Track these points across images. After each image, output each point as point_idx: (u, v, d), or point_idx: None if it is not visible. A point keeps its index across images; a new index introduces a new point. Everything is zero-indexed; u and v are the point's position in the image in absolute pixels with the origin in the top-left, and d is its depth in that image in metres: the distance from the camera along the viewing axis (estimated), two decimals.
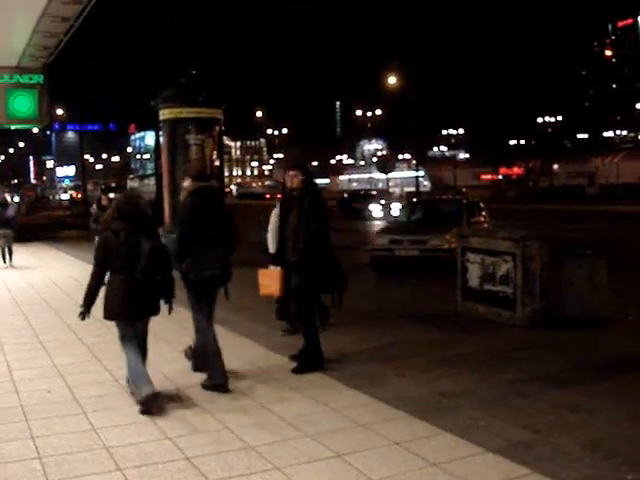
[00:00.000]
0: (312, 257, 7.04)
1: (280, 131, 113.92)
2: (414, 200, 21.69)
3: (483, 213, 17.26)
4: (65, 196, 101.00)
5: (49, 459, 4.87)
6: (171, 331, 8.65)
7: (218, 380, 6.45)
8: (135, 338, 6.18)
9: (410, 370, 7.22)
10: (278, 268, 7.56)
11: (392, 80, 69.55)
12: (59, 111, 61.52)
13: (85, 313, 6.05)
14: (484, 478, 4.56)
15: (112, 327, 8.88)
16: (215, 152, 16.36)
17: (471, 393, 6.44)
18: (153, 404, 5.84)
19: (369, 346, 8.34)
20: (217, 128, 16.51)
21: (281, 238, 7.59)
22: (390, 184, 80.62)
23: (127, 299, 5.98)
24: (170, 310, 6.27)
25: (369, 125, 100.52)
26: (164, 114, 16.31)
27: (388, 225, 17.77)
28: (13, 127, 23.42)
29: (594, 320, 9.01)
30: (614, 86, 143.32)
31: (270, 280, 7.78)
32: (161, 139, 23.58)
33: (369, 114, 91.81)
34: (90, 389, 6.58)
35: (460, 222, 15.49)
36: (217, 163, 16.50)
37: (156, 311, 6.25)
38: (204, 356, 6.62)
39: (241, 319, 9.80)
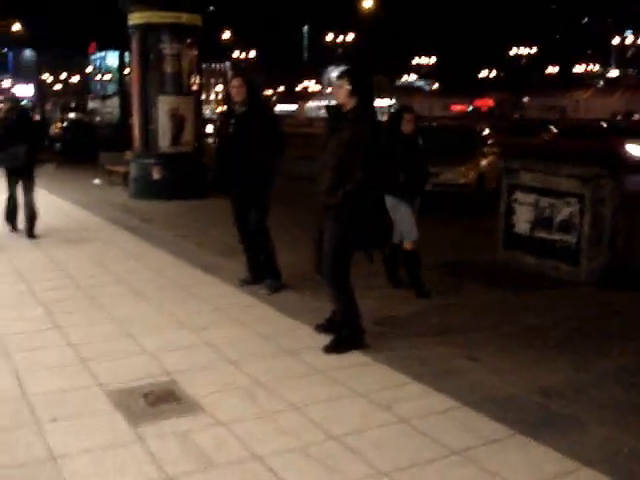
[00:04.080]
0: (361, 201, 5.13)
1: (247, 54, 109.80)
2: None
3: (492, 142, 15.37)
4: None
5: None
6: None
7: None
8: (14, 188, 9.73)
9: (478, 350, 5.40)
10: None
11: (367, 4, 66.72)
12: (16, 26, 57.60)
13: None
14: None
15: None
16: (194, 65, 14.11)
17: (580, 391, 4.66)
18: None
19: (409, 309, 6.49)
20: (197, 38, 14.21)
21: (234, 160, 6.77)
22: None
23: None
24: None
25: (340, 50, 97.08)
26: (134, 18, 13.89)
27: None
28: None
29: None
30: (585, 20, 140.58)
31: None
32: (127, 57, 21.13)
33: (340, 39, 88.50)
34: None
35: (474, 153, 13.69)
36: (196, 79, 14.26)
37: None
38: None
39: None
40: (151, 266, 7.89)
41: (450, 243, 9.88)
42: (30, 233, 9.54)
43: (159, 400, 4.28)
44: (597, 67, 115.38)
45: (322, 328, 5.62)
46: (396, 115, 7.30)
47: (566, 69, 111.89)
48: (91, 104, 60.93)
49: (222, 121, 7.55)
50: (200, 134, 14.51)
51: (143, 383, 4.53)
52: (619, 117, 65.18)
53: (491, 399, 4.42)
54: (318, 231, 5.40)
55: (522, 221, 8.23)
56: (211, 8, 14.45)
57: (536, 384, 4.74)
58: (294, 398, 4.33)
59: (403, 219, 6.75)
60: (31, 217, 9.59)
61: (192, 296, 6.67)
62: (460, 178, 12.63)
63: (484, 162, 13.81)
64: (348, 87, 5.16)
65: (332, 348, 5.19)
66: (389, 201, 6.37)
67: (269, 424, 4.00)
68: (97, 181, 17.14)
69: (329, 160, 5.19)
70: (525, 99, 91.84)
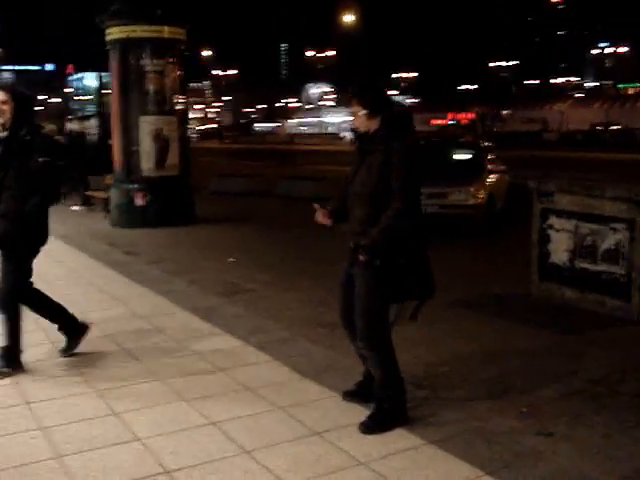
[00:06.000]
0: (399, 243, 4.12)
1: (227, 73, 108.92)
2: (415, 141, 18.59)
3: (495, 157, 14.36)
4: None
5: None
6: None
7: None
8: None
9: (546, 419, 4.40)
10: None
11: (348, 18, 66.37)
12: None
13: None
14: None
15: None
16: (178, 82, 13.10)
17: None
18: None
19: (447, 362, 5.48)
20: (180, 53, 13.23)
21: None
22: (342, 127, 77.68)
23: None
24: None
25: (320, 67, 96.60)
26: (112, 33, 12.86)
27: None
28: None
29: None
30: (560, 33, 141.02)
31: None
32: (104, 78, 20.13)
33: (320, 55, 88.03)
34: None
35: (482, 170, 12.73)
36: (180, 95, 13.25)
37: None
38: None
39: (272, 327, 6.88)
40: (138, 314, 6.80)
41: (470, 274, 8.91)
42: None
43: None
44: (575, 79, 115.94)
45: (351, 395, 4.59)
46: None
47: (545, 81, 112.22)
48: (69, 125, 59.81)
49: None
50: (187, 156, 13.47)
51: None
52: (599, 127, 64.84)
53: None
54: (346, 274, 4.39)
55: (560, 250, 7.26)
56: (194, 18, 13.42)
57: (636, 467, 3.75)
58: None
59: None
60: None
61: (188, 354, 5.61)
62: (470, 198, 11.65)
63: (491, 179, 12.87)
64: (364, 112, 4.17)
65: (372, 427, 4.14)
66: None
67: None
68: (76, 207, 16.06)
69: (360, 191, 4.18)
70: (504, 112, 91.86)
